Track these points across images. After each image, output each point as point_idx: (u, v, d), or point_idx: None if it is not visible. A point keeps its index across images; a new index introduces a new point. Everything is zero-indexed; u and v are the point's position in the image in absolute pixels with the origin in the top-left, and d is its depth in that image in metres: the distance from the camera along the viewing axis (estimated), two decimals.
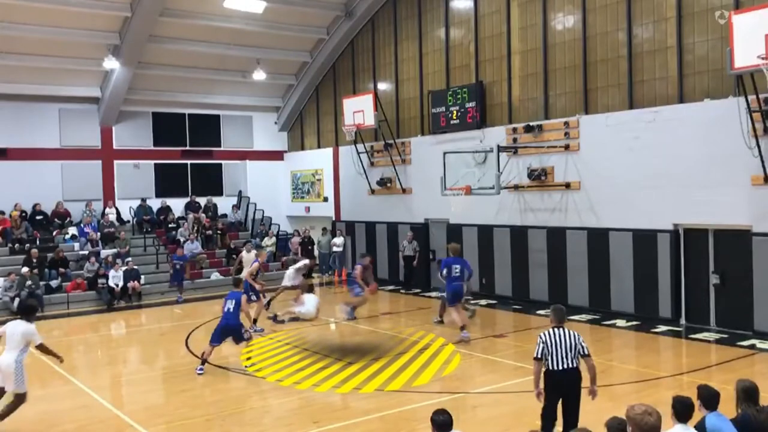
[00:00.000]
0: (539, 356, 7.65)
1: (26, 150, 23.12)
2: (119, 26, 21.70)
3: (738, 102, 13.60)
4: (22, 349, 9.29)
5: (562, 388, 7.62)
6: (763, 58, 12.15)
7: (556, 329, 7.72)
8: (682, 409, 5.41)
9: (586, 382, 7.78)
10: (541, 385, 7.75)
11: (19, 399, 9.33)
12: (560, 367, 7.54)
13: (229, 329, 12.53)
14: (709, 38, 14.96)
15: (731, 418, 5.76)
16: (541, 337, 7.69)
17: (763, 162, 13.49)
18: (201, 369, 12.20)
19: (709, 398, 5.75)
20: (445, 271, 14.34)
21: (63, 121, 24.02)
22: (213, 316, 17.94)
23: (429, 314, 16.92)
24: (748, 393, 5.92)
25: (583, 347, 7.64)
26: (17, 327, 9.33)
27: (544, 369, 7.70)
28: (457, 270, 14.26)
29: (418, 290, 20.82)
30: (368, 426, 9.36)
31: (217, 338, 12.47)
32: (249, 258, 18.88)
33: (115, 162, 25.04)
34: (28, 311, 9.67)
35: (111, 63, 21.87)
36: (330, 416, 9.81)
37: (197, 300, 21.04)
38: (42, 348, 9.51)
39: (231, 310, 12.53)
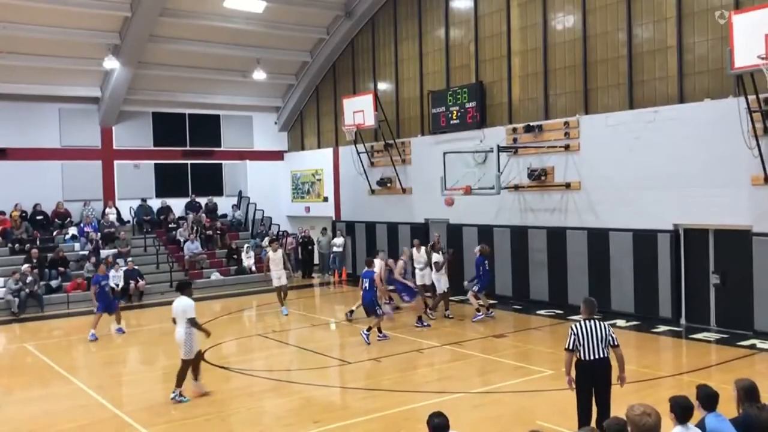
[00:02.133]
0: (570, 347, 7.84)
1: (26, 150, 23.12)
2: (119, 26, 21.70)
3: (738, 102, 13.60)
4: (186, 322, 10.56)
5: (593, 378, 7.79)
6: (763, 58, 12.15)
7: (587, 321, 7.90)
8: (681, 412, 5.38)
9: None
10: (573, 374, 7.93)
11: (185, 365, 10.63)
12: (591, 357, 7.74)
13: (365, 305, 14.40)
14: (709, 38, 14.95)
15: (732, 418, 5.74)
16: (572, 329, 7.87)
17: (763, 162, 13.48)
18: (380, 336, 14.39)
19: (708, 398, 5.70)
20: (480, 268, 16.52)
21: (63, 121, 24.03)
22: (213, 316, 18.00)
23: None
24: (748, 392, 5.89)
25: (612, 338, 7.83)
26: (179, 304, 10.73)
27: (575, 359, 7.87)
28: (487, 265, 16.84)
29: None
30: (369, 425, 9.36)
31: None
32: (277, 257, 18.43)
33: (115, 162, 25.04)
34: (182, 287, 10.99)
35: (111, 63, 21.86)
36: (330, 416, 9.81)
37: (197, 300, 20.95)
38: (193, 323, 10.66)
39: (366, 288, 14.30)
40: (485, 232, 19.50)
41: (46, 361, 13.84)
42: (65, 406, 10.70)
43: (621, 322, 15.55)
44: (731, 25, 12.82)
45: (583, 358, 7.78)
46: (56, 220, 23.22)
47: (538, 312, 16.84)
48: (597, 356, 7.72)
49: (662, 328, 14.90)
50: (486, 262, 16.64)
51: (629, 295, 16.16)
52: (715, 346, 13.52)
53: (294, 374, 12.26)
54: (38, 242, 21.96)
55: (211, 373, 12.50)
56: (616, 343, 7.83)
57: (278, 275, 18.34)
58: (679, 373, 11.57)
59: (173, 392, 10.59)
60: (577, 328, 7.83)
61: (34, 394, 11.52)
